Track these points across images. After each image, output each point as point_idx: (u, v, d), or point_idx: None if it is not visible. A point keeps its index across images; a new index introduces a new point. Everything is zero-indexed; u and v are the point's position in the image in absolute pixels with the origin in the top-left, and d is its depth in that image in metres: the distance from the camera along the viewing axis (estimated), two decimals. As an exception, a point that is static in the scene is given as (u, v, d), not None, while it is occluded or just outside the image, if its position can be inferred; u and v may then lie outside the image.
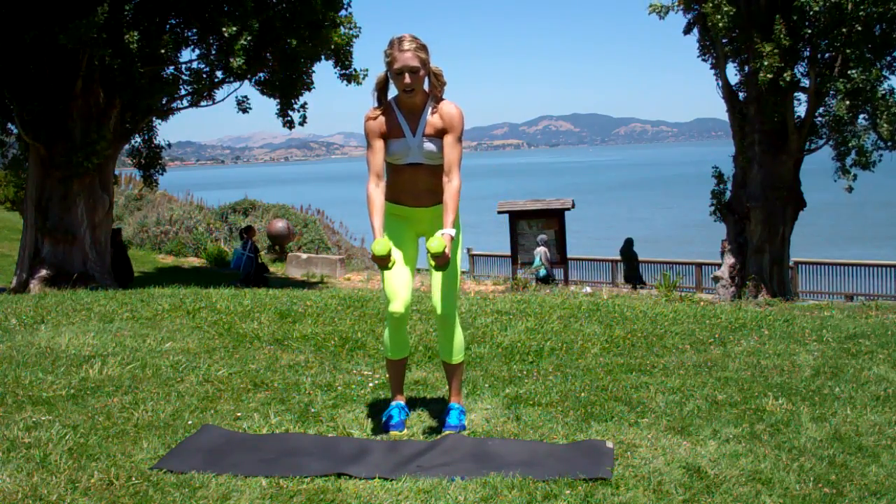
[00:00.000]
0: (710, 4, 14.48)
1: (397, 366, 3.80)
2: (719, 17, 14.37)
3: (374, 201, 3.52)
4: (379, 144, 3.57)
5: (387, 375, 3.89)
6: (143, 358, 4.75)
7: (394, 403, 3.78)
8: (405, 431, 3.63)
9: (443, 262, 3.43)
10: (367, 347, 5.27)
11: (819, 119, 15.79)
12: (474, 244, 24.73)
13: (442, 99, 3.62)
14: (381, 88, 3.62)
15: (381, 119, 3.59)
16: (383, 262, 3.44)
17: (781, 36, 14.16)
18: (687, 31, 16.80)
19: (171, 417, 3.74)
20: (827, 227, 38.35)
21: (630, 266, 18.72)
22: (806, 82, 15.27)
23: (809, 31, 14.66)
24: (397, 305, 3.56)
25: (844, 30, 13.91)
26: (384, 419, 3.70)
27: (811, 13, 14.17)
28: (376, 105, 3.63)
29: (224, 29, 12.80)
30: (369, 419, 3.77)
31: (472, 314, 6.24)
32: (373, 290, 9.61)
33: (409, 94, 3.51)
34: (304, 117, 15.79)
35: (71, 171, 13.25)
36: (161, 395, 4.05)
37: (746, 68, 15.87)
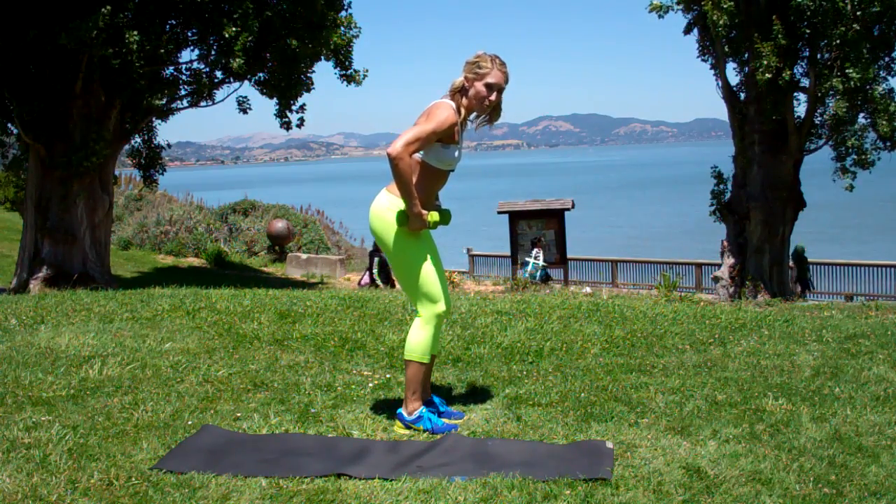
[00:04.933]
0: (710, 2, 14.47)
1: (431, 365, 3.77)
2: (719, 14, 14.35)
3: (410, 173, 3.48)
4: (436, 139, 3.53)
5: (415, 379, 3.65)
6: (143, 358, 4.75)
7: (426, 410, 3.67)
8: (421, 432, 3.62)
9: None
10: (367, 348, 5.26)
11: (819, 119, 15.78)
12: (474, 244, 24.75)
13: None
14: (457, 92, 3.62)
15: (456, 121, 3.57)
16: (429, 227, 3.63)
17: (780, 36, 14.16)
18: (687, 31, 16.79)
19: (171, 417, 3.74)
20: (827, 226, 38.34)
21: (801, 269, 18.14)
22: (805, 82, 15.26)
23: (808, 31, 14.65)
24: (446, 306, 3.67)
25: (844, 29, 13.90)
26: (431, 429, 3.61)
27: (808, 13, 14.16)
28: (452, 106, 3.58)
29: (224, 30, 12.80)
30: (369, 419, 3.77)
31: (472, 314, 6.24)
32: (373, 291, 9.60)
33: (485, 108, 3.61)
34: (301, 119, 15.85)
35: (71, 172, 13.26)
36: (161, 396, 4.05)
37: (746, 68, 15.87)
